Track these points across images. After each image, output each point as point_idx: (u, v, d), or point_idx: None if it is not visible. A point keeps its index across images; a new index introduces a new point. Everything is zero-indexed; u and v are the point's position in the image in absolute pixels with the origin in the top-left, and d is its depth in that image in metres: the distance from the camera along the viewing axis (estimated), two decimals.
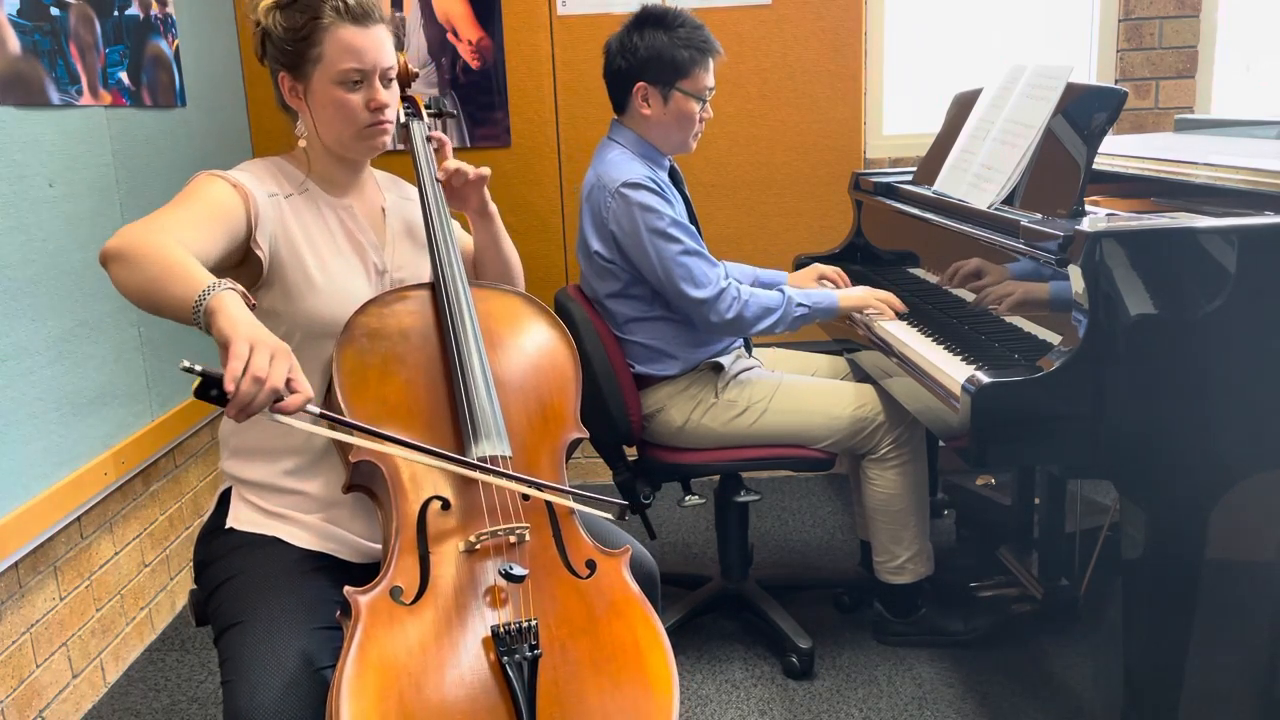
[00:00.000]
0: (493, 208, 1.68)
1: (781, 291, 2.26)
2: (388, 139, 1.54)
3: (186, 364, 1.13)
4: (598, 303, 2.33)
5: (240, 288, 1.22)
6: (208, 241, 1.35)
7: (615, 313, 2.31)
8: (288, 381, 1.18)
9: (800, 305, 2.25)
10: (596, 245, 2.25)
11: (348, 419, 1.35)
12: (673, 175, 2.35)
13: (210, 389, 1.15)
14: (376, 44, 1.48)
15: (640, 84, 2.23)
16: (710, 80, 2.27)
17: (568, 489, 1.46)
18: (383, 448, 1.35)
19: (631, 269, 2.24)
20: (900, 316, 2.32)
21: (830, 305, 2.30)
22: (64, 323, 2.21)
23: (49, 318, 2.17)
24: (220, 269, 1.43)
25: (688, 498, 2.46)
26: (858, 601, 2.56)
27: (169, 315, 1.24)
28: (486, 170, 1.64)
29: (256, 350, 1.15)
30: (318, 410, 1.24)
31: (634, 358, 2.32)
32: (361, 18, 1.46)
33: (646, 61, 2.21)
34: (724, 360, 2.33)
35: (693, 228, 2.25)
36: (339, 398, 1.41)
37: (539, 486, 1.41)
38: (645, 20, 2.24)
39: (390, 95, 1.52)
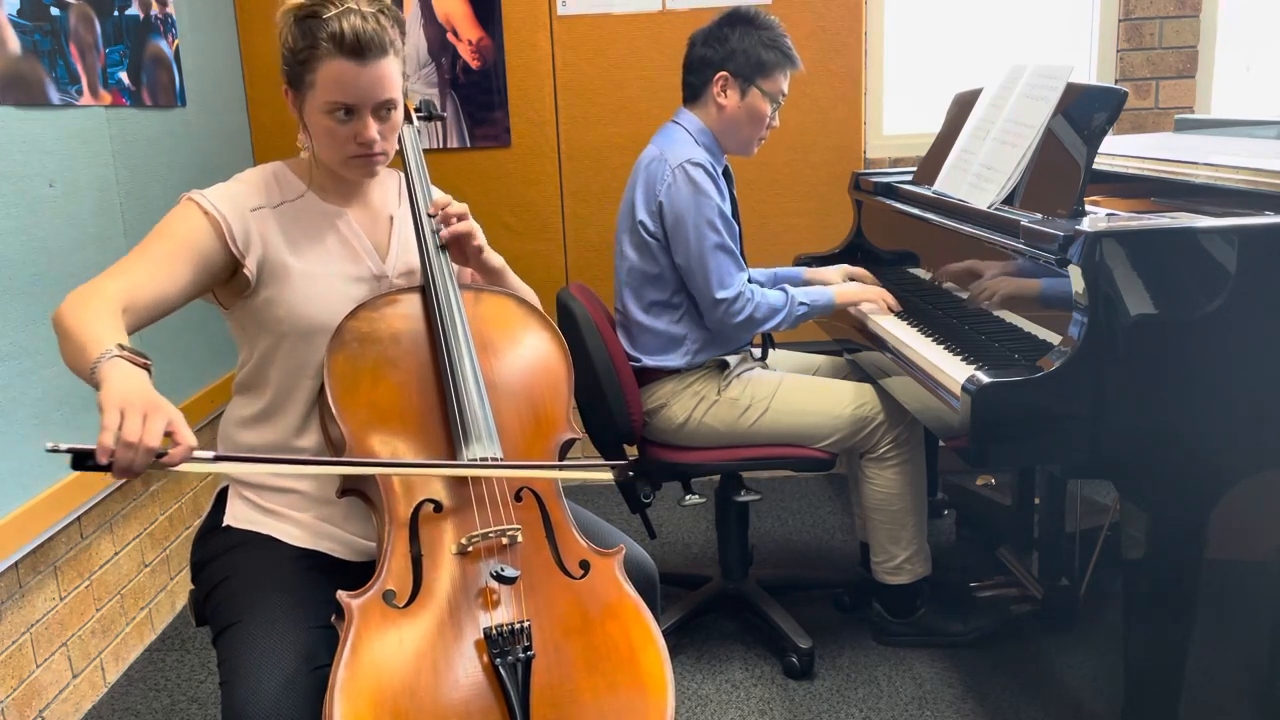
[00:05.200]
0: (495, 262, 1.63)
1: (784, 291, 2.31)
2: (380, 169, 1.53)
3: (51, 445, 1.16)
4: (629, 280, 2.33)
5: (127, 352, 1.24)
6: (173, 276, 1.41)
7: (642, 293, 2.32)
8: (171, 435, 1.18)
9: (801, 304, 2.31)
10: (643, 216, 2.28)
11: (247, 455, 1.38)
12: (725, 173, 2.38)
13: (86, 461, 1.16)
14: (372, 81, 1.42)
15: (722, 73, 2.29)
16: (785, 87, 2.34)
17: (562, 464, 1.47)
18: (296, 469, 1.39)
19: (668, 247, 2.27)
20: (900, 316, 2.32)
21: (827, 302, 2.35)
22: None
23: (49, 318, 2.16)
24: (206, 288, 1.48)
25: (688, 497, 2.46)
26: (858, 601, 2.56)
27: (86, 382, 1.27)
28: (468, 229, 1.57)
29: (127, 414, 1.15)
30: (210, 455, 1.25)
31: (643, 349, 2.33)
32: (358, 54, 1.40)
33: (733, 53, 2.28)
34: (730, 359, 2.34)
35: (735, 225, 2.30)
36: (330, 402, 1.41)
37: (525, 467, 1.43)
38: (738, 17, 2.31)
39: (386, 127, 1.48)
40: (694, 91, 2.35)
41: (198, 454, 1.21)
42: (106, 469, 1.16)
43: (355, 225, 1.57)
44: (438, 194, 1.62)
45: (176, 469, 1.21)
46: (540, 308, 1.71)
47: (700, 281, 2.23)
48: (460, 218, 1.56)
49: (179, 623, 2.69)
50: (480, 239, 1.59)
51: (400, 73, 1.48)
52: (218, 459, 1.28)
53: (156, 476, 2.60)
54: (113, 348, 1.23)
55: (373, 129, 1.46)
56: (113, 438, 1.15)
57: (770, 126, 2.35)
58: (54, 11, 2.21)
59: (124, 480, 1.16)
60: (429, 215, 1.57)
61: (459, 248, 1.59)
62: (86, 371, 1.23)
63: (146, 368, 1.24)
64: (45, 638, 2.18)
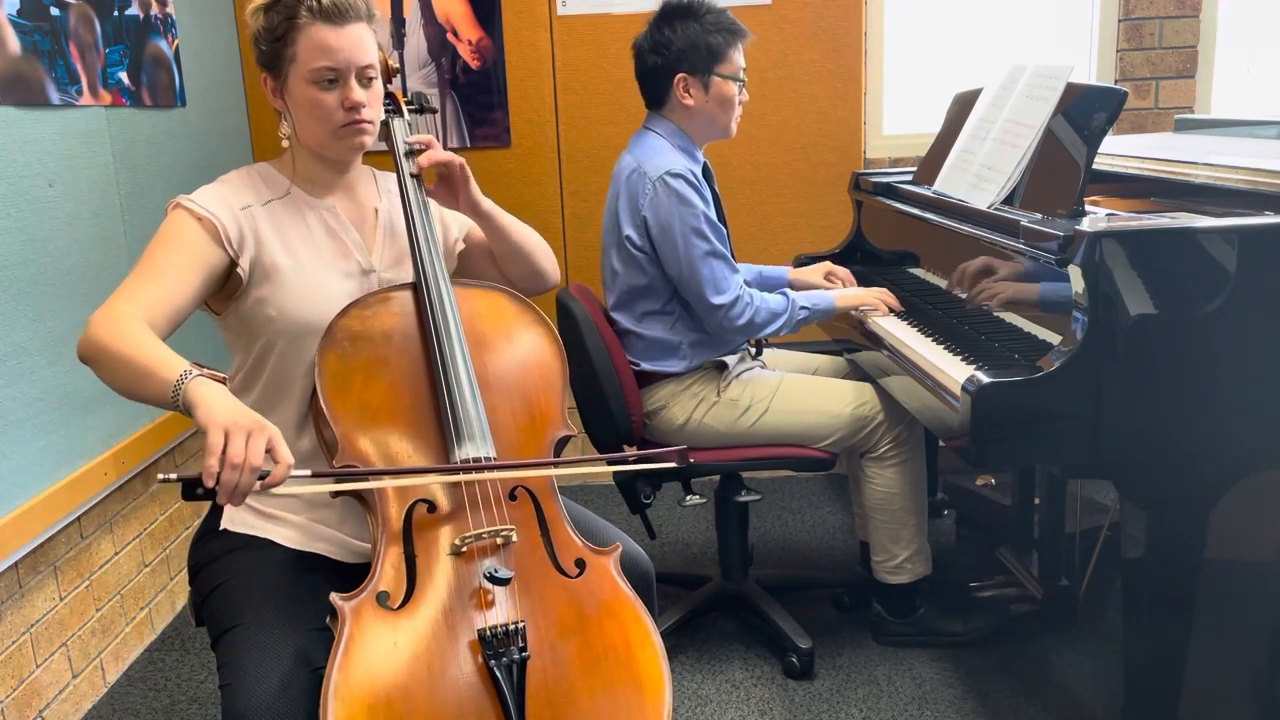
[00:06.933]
0: (486, 204, 1.64)
1: (785, 295, 2.30)
2: (368, 139, 1.53)
3: (162, 477, 1.17)
4: (620, 292, 2.33)
5: (206, 371, 1.26)
6: (182, 287, 1.41)
7: (634, 304, 2.31)
8: (270, 453, 1.20)
9: (803, 308, 2.31)
10: (629, 230, 2.27)
11: (340, 470, 1.38)
12: (704, 171, 2.37)
13: (195, 489, 1.16)
14: (352, 43, 1.46)
15: (680, 75, 2.27)
16: (743, 61, 2.32)
17: (625, 455, 1.49)
18: (382, 483, 1.38)
19: (657, 259, 2.26)
20: (900, 316, 2.32)
21: (828, 306, 2.35)
22: (64, 323, 2.21)
23: (49, 318, 2.17)
24: (211, 292, 1.48)
25: (688, 497, 2.45)
26: (857, 601, 2.56)
27: (156, 406, 1.29)
28: (455, 157, 1.60)
29: (232, 436, 1.17)
30: (308, 472, 1.29)
31: (640, 354, 2.32)
32: (336, 17, 1.45)
33: (683, 52, 2.25)
34: (729, 360, 2.34)
35: (722, 228, 2.29)
36: (322, 402, 1.40)
37: (575, 463, 1.47)
38: (672, 13, 2.27)
39: (370, 95, 1.50)
40: (658, 99, 2.33)
41: (295, 472, 1.23)
42: (212, 495, 1.16)
43: (343, 217, 1.57)
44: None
45: (276, 491, 1.22)
46: (552, 258, 1.75)
47: (695, 290, 2.22)
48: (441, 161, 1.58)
49: (179, 623, 2.69)
50: (465, 167, 1.59)
51: (376, 44, 1.52)
52: (316, 475, 1.30)
53: (156, 476, 2.60)
54: (190, 368, 1.25)
55: (359, 92, 1.47)
56: (218, 460, 1.15)
57: (742, 102, 2.33)
58: (54, 11, 2.21)
59: (231, 504, 1.20)
60: (414, 177, 1.57)
61: (448, 183, 1.60)
62: (166, 395, 1.23)
63: (224, 382, 1.26)
64: (45, 638, 2.18)
